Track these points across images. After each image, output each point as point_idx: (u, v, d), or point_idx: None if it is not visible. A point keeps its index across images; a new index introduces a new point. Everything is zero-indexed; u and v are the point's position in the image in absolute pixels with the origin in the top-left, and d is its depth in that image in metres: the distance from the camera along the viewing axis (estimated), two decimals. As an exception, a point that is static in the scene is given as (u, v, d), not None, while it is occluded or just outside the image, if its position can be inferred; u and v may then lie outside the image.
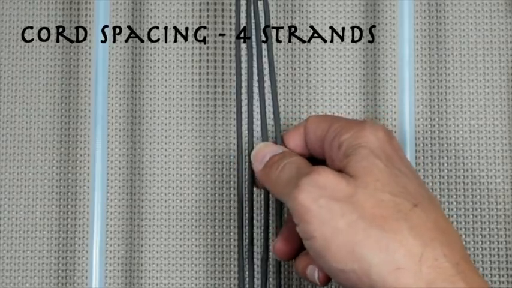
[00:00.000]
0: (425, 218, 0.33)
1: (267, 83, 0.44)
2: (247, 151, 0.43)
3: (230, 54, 0.45)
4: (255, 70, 0.43)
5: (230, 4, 0.45)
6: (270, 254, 0.42)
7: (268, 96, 0.44)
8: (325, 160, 0.37)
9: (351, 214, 0.33)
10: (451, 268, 0.32)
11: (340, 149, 0.35)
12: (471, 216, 0.44)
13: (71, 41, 0.45)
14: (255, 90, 0.44)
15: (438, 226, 0.33)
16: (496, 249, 0.44)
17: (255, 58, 0.43)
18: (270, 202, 0.43)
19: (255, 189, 0.43)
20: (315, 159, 0.39)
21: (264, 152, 0.39)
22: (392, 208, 0.33)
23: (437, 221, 0.33)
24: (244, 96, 0.44)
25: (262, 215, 0.43)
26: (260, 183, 0.40)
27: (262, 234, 0.42)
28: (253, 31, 0.43)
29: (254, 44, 0.43)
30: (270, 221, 0.43)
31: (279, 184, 0.37)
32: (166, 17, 0.46)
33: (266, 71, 0.44)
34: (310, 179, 0.34)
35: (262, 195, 0.43)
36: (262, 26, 0.43)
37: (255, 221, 0.43)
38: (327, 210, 0.33)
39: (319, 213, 0.33)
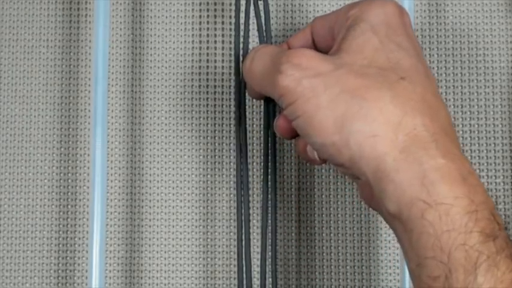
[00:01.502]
0: (411, 89, 0.33)
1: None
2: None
3: (230, 54, 0.45)
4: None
5: (230, 4, 0.45)
6: (269, 254, 0.42)
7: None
8: None
9: (333, 87, 0.33)
10: (427, 136, 0.32)
11: (346, 23, 0.35)
12: (471, 216, 0.44)
13: (71, 41, 0.45)
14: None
15: (424, 99, 0.33)
16: (496, 249, 0.44)
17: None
18: (269, 202, 0.43)
19: (255, 188, 0.43)
20: None
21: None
22: (377, 79, 0.33)
23: (425, 95, 0.33)
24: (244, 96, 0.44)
25: (261, 215, 0.43)
26: (250, 90, 0.40)
27: (261, 234, 0.42)
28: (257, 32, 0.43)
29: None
30: (269, 221, 0.43)
31: (256, 76, 0.37)
32: (166, 17, 0.46)
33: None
34: (291, 63, 0.34)
35: (262, 196, 0.43)
36: (262, 26, 0.43)
37: (254, 221, 0.43)
38: (310, 89, 0.33)
39: (302, 92, 0.33)
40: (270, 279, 0.43)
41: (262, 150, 0.44)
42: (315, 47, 0.39)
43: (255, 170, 0.44)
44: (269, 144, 0.41)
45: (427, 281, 0.30)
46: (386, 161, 0.31)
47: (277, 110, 0.40)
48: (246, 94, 0.41)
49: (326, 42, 0.38)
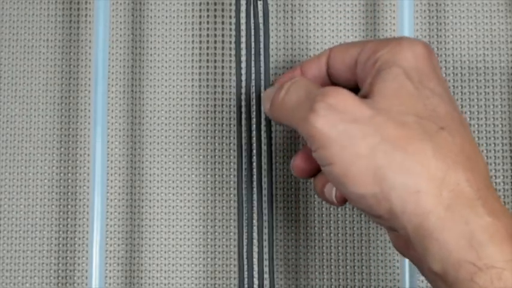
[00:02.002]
0: (451, 141, 0.32)
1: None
2: (246, 154, 0.43)
3: (230, 54, 0.45)
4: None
5: (230, 4, 0.45)
6: (266, 254, 0.42)
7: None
8: (351, 88, 0.36)
9: (373, 137, 0.31)
10: (472, 193, 0.31)
11: (375, 65, 0.34)
12: (471, 216, 0.44)
13: (71, 41, 0.45)
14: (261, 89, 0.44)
15: (464, 151, 0.32)
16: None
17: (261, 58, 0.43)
18: (264, 202, 0.43)
19: (254, 189, 0.43)
20: None
21: (272, 91, 0.37)
22: (417, 130, 0.32)
23: (464, 146, 0.32)
24: (244, 96, 0.44)
25: (266, 215, 0.43)
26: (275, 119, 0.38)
27: (257, 234, 0.42)
28: (253, 31, 0.43)
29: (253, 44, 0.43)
30: (264, 221, 0.43)
31: (287, 109, 0.35)
32: (166, 17, 0.46)
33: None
34: (326, 103, 0.32)
35: (257, 196, 0.43)
36: (262, 26, 0.43)
37: (254, 221, 0.43)
38: (346, 135, 0.31)
39: (338, 138, 0.31)
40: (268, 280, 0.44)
41: (255, 150, 0.44)
42: (329, 77, 0.38)
43: (255, 170, 0.44)
44: (262, 143, 0.41)
45: None
46: (430, 218, 0.30)
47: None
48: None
49: (345, 76, 0.37)
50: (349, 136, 0.32)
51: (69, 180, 0.45)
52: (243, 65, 0.44)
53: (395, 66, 0.33)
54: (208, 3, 0.46)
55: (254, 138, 0.43)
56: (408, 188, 0.31)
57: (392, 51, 0.34)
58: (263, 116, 0.44)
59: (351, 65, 0.36)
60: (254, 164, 0.44)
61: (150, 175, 0.45)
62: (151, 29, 0.46)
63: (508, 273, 0.29)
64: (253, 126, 0.44)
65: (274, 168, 0.43)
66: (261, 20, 0.42)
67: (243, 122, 0.43)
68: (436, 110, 0.33)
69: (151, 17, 0.46)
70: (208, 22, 0.46)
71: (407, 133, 0.31)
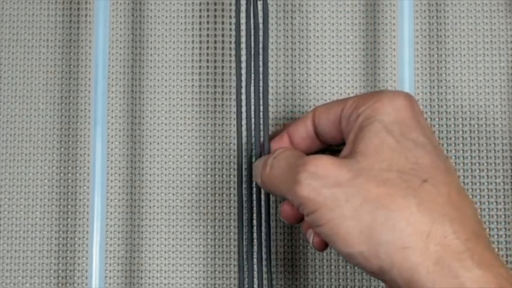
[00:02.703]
0: (436, 193, 0.32)
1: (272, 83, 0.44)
2: (246, 154, 0.43)
3: (230, 54, 0.45)
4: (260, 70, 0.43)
5: (230, 4, 0.45)
6: (264, 255, 0.42)
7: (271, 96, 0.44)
8: (341, 144, 0.37)
9: (356, 198, 0.32)
10: (459, 245, 0.31)
11: (357, 121, 0.35)
12: (471, 216, 0.44)
13: (71, 41, 0.45)
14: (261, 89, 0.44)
15: (450, 201, 0.32)
16: (496, 249, 0.44)
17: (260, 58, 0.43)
18: (261, 201, 0.43)
19: (254, 189, 0.43)
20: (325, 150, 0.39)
21: (260, 164, 0.39)
22: (400, 185, 0.32)
23: (450, 195, 0.32)
24: (244, 96, 0.44)
25: (264, 215, 0.43)
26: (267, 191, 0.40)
27: (257, 234, 0.42)
28: (253, 31, 0.43)
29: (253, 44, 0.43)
30: (262, 220, 0.43)
31: (274, 183, 0.36)
32: (166, 17, 0.46)
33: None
34: (308, 172, 0.33)
35: (255, 196, 0.43)
36: (261, 26, 0.43)
37: (254, 221, 0.43)
38: (331, 199, 0.33)
39: (324, 203, 0.33)
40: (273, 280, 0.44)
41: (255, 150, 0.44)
42: (317, 137, 0.39)
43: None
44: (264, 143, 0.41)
45: None
46: (420, 272, 0.31)
47: None
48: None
49: (330, 134, 0.38)
50: (333, 200, 0.33)
51: (69, 180, 0.45)
52: (243, 65, 0.44)
53: (376, 121, 0.34)
54: (208, 3, 0.46)
55: (254, 138, 0.43)
56: (395, 245, 0.31)
57: (373, 106, 0.35)
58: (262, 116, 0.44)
59: (336, 122, 0.37)
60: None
61: (150, 175, 0.45)
62: (151, 29, 0.46)
63: None
64: (253, 126, 0.44)
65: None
66: (261, 20, 0.42)
67: (243, 121, 0.43)
68: (418, 162, 0.33)
69: (151, 17, 0.46)
70: (208, 22, 0.46)
71: (390, 190, 0.32)
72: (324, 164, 0.33)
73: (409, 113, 0.34)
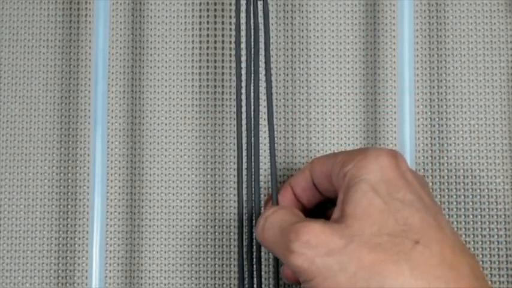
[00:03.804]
0: (429, 254, 0.32)
1: (273, 84, 0.44)
2: (246, 154, 0.43)
3: (230, 54, 0.45)
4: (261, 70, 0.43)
5: (230, 4, 0.45)
6: (263, 254, 0.42)
7: (273, 97, 0.44)
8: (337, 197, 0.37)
9: (348, 266, 0.32)
10: None
11: (344, 180, 0.35)
12: (471, 216, 0.44)
13: (71, 41, 0.45)
14: (261, 89, 0.44)
15: (444, 260, 0.32)
16: (496, 249, 0.44)
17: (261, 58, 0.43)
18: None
19: (254, 189, 0.43)
20: (327, 201, 0.39)
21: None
22: (391, 250, 0.32)
23: (443, 254, 0.32)
24: (244, 96, 0.44)
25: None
26: None
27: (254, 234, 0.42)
28: (253, 31, 0.43)
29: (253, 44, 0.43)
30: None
31: (267, 245, 0.37)
32: (166, 17, 0.46)
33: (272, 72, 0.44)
34: (301, 242, 0.33)
35: (254, 196, 0.43)
36: (261, 26, 0.43)
37: (255, 221, 0.43)
38: (325, 268, 0.33)
39: (319, 271, 0.33)
40: (271, 279, 0.43)
41: (254, 150, 0.44)
42: (316, 189, 0.39)
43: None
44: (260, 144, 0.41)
45: None
46: None
47: None
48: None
49: (325, 186, 0.38)
50: (327, 268, 0.33)
51: (69, 180, 0.45)
52: (243, 65, 0.44)
53: (362, 181, 0.34)
54: (208, 3, 0.46)
55: (254, 138, 0.43)
56: None
57: (358, 165, 0.35)
58: (262, 116, 0.44)
59: (328, 176, 0.37)
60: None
61: (150, 175, 0.45)
62: (151, 29, 0.46)
63: None
64: (253, 126, 0.44)
65: (275, 168, 0.43)
66: (261, 20, 0.42)
67: (243, 121, 0.43)
68: (408, 223, 0.33)
69: (151, 17, 0.46)
70: (208, 22, 0.46)
71: (382, 257, 0.32)
72: (316, 232, 0.33)
73: (395, 171, 0.35)
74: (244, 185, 0.43)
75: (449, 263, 0.32)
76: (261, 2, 0.43)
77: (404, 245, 0.32)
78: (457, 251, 0.33)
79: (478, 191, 0.44)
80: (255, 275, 0.42)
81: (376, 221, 0.33)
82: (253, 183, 0.43)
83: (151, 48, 0.45)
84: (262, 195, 0.43)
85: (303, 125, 0.45)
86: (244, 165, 0.43)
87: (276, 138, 0.44)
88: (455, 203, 0.44)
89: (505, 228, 0.44)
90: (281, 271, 0.38)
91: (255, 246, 0.42)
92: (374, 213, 0.33)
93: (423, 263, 0.32)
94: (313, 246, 0.33)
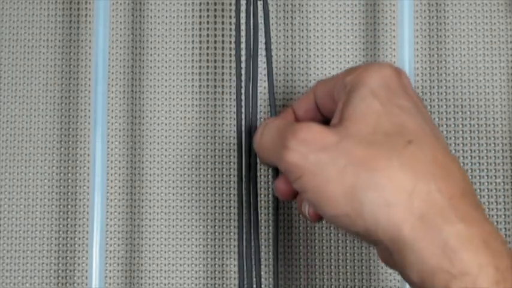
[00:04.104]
0: (420, 153, 0.32)
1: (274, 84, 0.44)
2: (245, 154, 0.43)
3: (230, 55, 0.45)
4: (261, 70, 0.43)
5: (230, 4, 0.45)
6: (263, 254, 0.42)
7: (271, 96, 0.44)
8: None
9: (339, 160, 0.32)
10: (443, 201, 0.31)
11: (345, 90, 0.35)
12: (471, 216, 0.44)
13: (71, 41, 0.45)
14: (259, 90, 0.44)
15: (435, 160, 0.32)
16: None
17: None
18: (261, 202, 0.43)
19: (254, 189, 0.43)
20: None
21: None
22: (384, 147, 0.32)
23: (436, 156, 0.32)
24: (244, 96, 0.44)
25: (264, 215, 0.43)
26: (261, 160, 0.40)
27: (253, 233, 0.42)
28: (252, 31, 0.43)
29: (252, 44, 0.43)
30: (263, 221, 0.43)
31: (264, 150, 0.37)
32: (166, 17, 0.46)
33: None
34: (296, 138, 0.34)
35: (251, 195, 0.43)
36: (262, 26, 0.43)
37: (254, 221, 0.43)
38: (317, 163, 0.33)
39: (310, 168, 0.33)
40: (271, 279, 0.43)
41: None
42: (319, 110, 0.39)
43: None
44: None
45: None
46: (404, 229, 0.31)
47: None
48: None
49: (328, 106, 0.38)
50: (319, 164, 0.33)
51: (69, 180, 0.45)
52: (243, 65, 0.44)
53: (362, 87, 0.34)
54: (208, 3, 0.46)
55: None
56: (378, 203, 0.31)
57: (359, 74, 0.35)
58: (261, 115, 0.44)
59: (330, 94, 0.37)
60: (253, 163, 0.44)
61: (150, 175, 0.45)
62: (151, 29, 0.46)
63: (482, 280, 0.29)
64: (252, 128, 0.44)
65: (275, 169, 0.43)
66: (261, 20, 0.42)
67: (243, 121, 0.43)
68: (404, 125, 0.33)
69: (151, 17, 0.46)
70: (208, 22, 0.46)
71: (374, 152, 0.32)
72: (312, 130, 0.34)
73: (396, 80, 0.35)
74: (244, 185, 0.43)
75: (440, 164, 0.32)
76: (261, 2, 0.43)
77: (398, 143, 0.32)
78: (449, 156, 0.33)
79: (478, 191, 0.44)
80: (255, 275, 0.42)
81: (372, 122, 0.33)
82: (253, 183, 0.43)
83: (151, 48, 0.45)
84: (262, 196, 0.43)
85: (303, 125, 0.45)
86: (244, 166, 0.43)
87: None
88: (455, 203, 0.44)
89: (505, 229, 0.44)
90: (274, 188, 0.38)
91: (254, 247, 0.42)
92: (371, 115, 0.33)
93: (414, 159, 0.32)
94: (309, 143, 0.33)
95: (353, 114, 0.34)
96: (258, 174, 0.44)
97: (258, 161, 0.43)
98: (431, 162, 0.32)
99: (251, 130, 0.43)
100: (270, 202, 0.44)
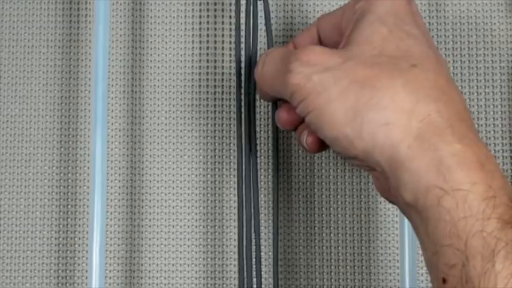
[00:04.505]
0: (423, 76, 0.32)
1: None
2: (245, 154, 0.43)
3: (230, 54, 0.45)
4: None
5: (230, 4, 0.45)
6: (263, 254, 0.42)
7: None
8: None
9: (342, 80, 0.32)
10: (442, 122, 0.31)
11: (353, 17, 0.35)
12: (471, 216, 0.44)
13: (71, 41, 0.45)
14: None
15: (436, 85, 0.32)
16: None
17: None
18: (261, 203, 0.43)
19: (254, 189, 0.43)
20: None
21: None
22: (387, 68, 0.32)
23: (438, 81, 0.33)
24: (244, 96, 0.44)
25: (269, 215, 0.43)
26: (262, 93, 0.39)
27: (254, 233, 0.42)
28: (252, 31, 0.43)
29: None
30: (262, 221, 0.43)
31: (267, 78, 0.37)
32: (166, 17, 0.46)
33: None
34: (299, 61, 0.34)
35: (252, 196, 0.43)
36: (262, 26, 0.43)
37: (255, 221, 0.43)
38: (320, 84, 0.33)
39: (312, 88, 0.33)
40: (271, 279, 0.43)
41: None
42: (322, 44, 0.39)
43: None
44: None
45: (444, 269, 0.30)
46: (401, 148, 0.31)
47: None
48: (245, 93, 0.41)
49: (333, 38, 0.38)
50: (322, 84, 0.33)
51: (69, 180, 0.45)
52: (243, 64, 0.44)
53: (370, 13, 0.34)
54: (208, 3, 0.46)
55: (253, 138, 0.43)
56: (377, 122, 0.31)
57: (369, 1, 0.35)
58: (261, 116, 0.44)
59: (337, 24, 0.37)
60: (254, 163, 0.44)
61: (150, 175, 0.45)
62: (151, 29, 0.46)
63: (473, 196, 0.29)
64: (253, 127, 0.44)
65: (276, 169, 0.43)
66: (261, 20, 0.42)
67: (243, 122, 0.43)
68: (409, 50, 0.33)
69: (151, 17, 0.46)
70: (208, 22, 0.46)
71: (377, 72, 0.32)
72: (315, 52, 0.34)
73: (405, 7, 0.35)
74: (244, 185, 0.43)
75: (442, 89, 0.32)
76: (261, 2, 0.43)
77: (402, 65, 0.32)
78: (451, 83, 0.33)
79: (478, 191, 0.44)
80: (255, 275, 0.42)
81: (378, 46, 0.33)
82: (251, 183, 0.43)
83: (151, 48, 0.45)
84: (262, 196, 0.43)
85: (303, 125, 0.45)
86: (244, 166, 0.43)
87: (279, 139, 0.44)
88: (455, 203, 0.44)
89: None
90: (276, 118, 0.38)
91: (254, 247, 0.42)
92: (377, 39, 0.33)
93: (416, 82, 0.32)
94: (312, 64, 0.33)
95: (358, 38, 0.34)
96: (258, 174, 0.44)
97: (258, 160, 0.43)
98: (433, 87, 0.32)
99: (251, 130, 0.42)
100: (270, 202, 0.44)
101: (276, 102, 0.40)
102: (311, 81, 0.33)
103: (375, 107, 0.32)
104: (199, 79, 0.45)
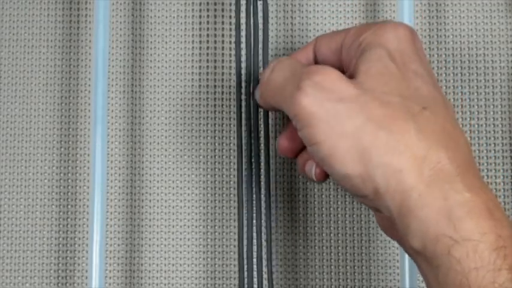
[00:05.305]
0: (434, 121, 0.32)
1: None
2: (246, 154, 0.43)
3: (230, 54, 0.45)
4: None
5: (230, 4, 0.45)
6: (264, 254, 0.42)
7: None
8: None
9: (358, 116, 0.32)
10: (452, 170, 0.31)
11: (359, 47, 0.34)
12: (471, 216, 0.44)
13: (71, 41, 0.45)
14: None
15: (445, 130, 0.32)
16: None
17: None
18: (261, 202, 0.43)
19: (254, 189, 0.43)
20: None
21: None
22: (401, 109, 0.32)
23: (445, 125, 0.32)
24: (244, 97, 0.44)
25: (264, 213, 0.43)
26: (262, 99, 0.38)
27: (256, 234, 0.42)
28: (252, 31, 0.43)
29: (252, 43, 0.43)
30: (262, 221, 0.43)
31: (273, 87, 0.35)
32: (166, 17, 0.46)
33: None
34: (312, 81, 0.32)
35: (255, 196, 0.43)
36: (261, 26, 0.43)
37: (255, 221, 0.43)
38: (333, 114, 0.32)
39: (325, 117, 0.32)
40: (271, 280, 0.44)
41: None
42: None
43: (255, 169, 0.44)
44: (260, 144, 0.41)
45: None
46: (412, 196, 0.31)
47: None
48: (244, 94, 0.41)
49: (331, 62, 0.37)
50: (335, 115, 0.32)
51: (69, 180, 0.45)
52: (243, 64, 0.44)
53: (379, 47, 0.34)
54: (208, 3, 0.46)
55: (254, 139, 0.43)
56: (392, 167, 0.31)
57: (376, 33, 0.34)
58: (261, 116, 0.44)
59: (337, 50, 0.36)
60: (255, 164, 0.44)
61: (150, 175, 0.45)
62: (151, 29, 0.46)
63: (483, 246, 0.29)
64: (253, 127, 0.44)
65: (274, 169, 0.43)
66: (261, 20, 0.42)
67: (243, 122, 0.43)
68: (418, 91, 0.33)
69: (151, 17, 0.46)
70: (208, 22, 0.46)
71: (392, 113, 0.32)
72: (331, 76, 0.32)
73: (410, 43, 0.34)
74: (244, 185, 0.43)
75: (449, 133, 0.32)
76: (261, 2, 0.43)
77: (413, 108, 0.32)
78: (457, 127, 0.33)
79: (478, 191, 0.44)
80: (255, 275, 0.42)
81: (389, 82, 0.33)
82: (252, 184, 0.43)
83: (151, 48, 0.45)
84: (262, 196, 0.43)
85: (303, 125, 0.45)
86: (244, 166, 0.43)
87: (276, 138, 0.44)
88: (455, 203, 0.44)
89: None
90: (276, 145, 0.37)
91: (255, 247, 0.42)
92: (388, 75, 0.33)
93: (428, 127, 0.32)
94: (326, 89, 0.32)
95: (370, 70, 0.33)
96: (258, 174, 0.44)
97: (258, 160, 0.43)
98: (442, 132, 0.32)
99: (251, 130, 0.43)
100: (270, 202, 0.44)
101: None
102: (322, 108, 0.32)
103: (391, 151, 0.31)
104: (199, 79, 0.45)
